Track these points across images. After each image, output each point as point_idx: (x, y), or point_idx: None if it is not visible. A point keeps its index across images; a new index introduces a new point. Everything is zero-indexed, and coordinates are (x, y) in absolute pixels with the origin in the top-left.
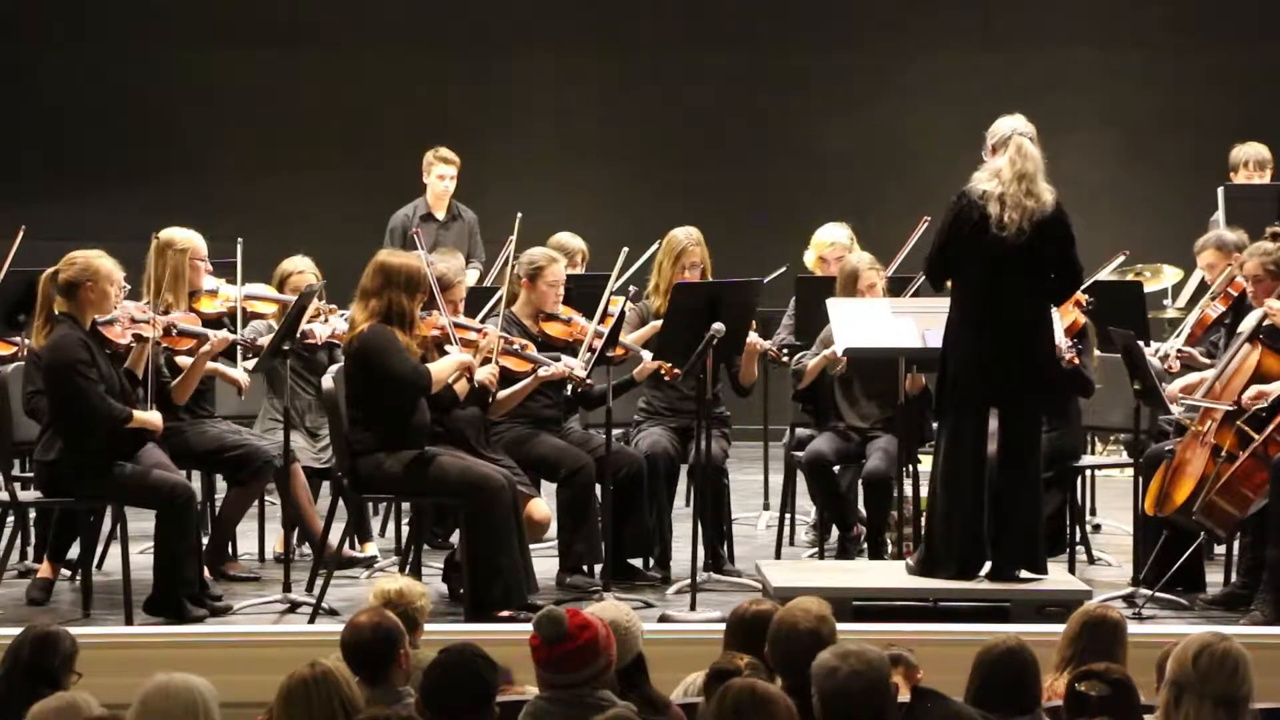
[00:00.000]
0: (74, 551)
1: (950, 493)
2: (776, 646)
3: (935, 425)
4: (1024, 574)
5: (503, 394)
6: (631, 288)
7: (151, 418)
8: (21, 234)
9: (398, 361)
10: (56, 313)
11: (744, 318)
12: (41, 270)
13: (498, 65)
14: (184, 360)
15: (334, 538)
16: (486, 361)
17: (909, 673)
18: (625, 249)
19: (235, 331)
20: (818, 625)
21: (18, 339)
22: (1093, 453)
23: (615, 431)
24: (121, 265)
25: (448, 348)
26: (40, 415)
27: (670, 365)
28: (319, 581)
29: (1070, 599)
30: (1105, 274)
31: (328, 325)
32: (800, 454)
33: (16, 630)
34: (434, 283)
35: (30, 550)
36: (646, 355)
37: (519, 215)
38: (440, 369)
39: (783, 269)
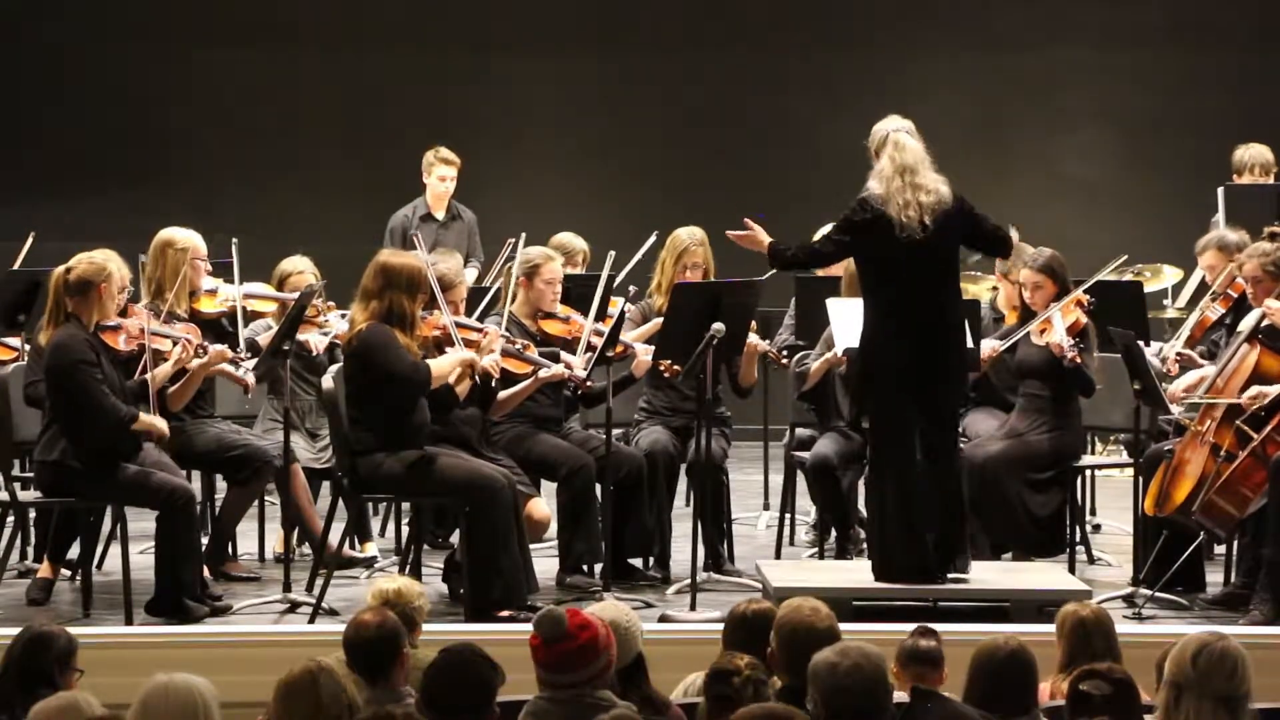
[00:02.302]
0: (74, 551)
1: (895, 501)
2: (791, 647)
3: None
4: (952, 575)
5: (503, 394)
6: (631, 287)
7: (158, 421)
8: (31, 239)
9: (396, 358)
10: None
11: (744, 318)
12: (41, 270)
13: (498, 65)
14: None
15: (334, 538)
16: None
17: (931, 675)
18: (612, 253)
19: (235, 330)
20: (830, 625)
21: (17, 343)
22: (1093, 453)
23: (615, 431)
24: (126, 265)
25: (448, 348)
26: (39, 403)
27: (669, 362)
28: (319, 581)
29: (1070, 599)
30: (1106, 274)
31: (325, 336)
32: (800, 454)
33: (17, 630)
34: (435, 283)
35: (30, 550)
36: (643, 350)
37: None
38: (440, 365)
39: (770, 273)
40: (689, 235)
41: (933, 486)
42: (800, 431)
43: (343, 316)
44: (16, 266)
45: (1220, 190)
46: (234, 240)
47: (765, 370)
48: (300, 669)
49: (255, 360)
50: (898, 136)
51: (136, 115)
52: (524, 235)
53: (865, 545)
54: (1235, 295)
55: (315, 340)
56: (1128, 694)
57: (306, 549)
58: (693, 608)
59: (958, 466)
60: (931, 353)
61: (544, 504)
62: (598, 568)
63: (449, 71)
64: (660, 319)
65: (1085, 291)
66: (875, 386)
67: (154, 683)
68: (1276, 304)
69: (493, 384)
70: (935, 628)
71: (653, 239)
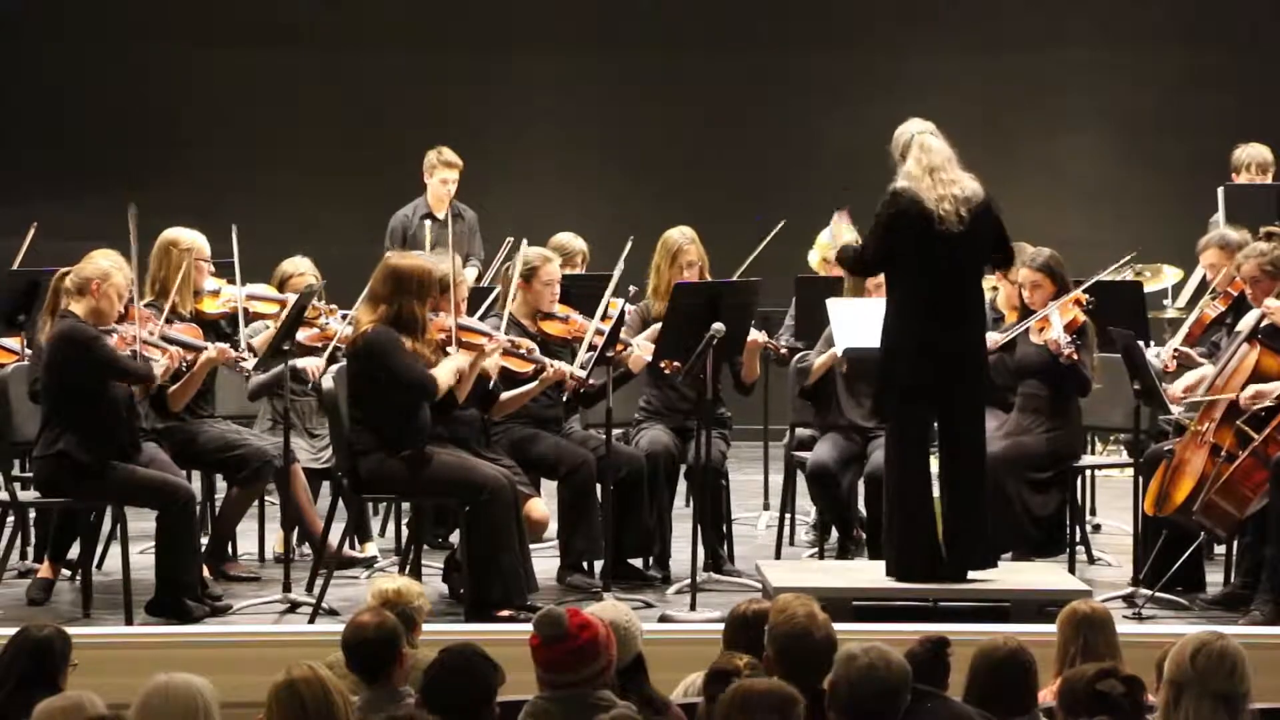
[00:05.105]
0: (74, 551)
1: (914, 496)
2: (787, 651)
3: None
4: (973, 574)
5: (505, 396)
6: (631, 288)
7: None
8: (34, 229)
9: (406, 368)
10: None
11: (744, 318)
12: (41, 270)
13: (498, 65)
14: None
15: (334, 538)
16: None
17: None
18: (620, 266)
19: (236, 331)
20: (827, 629)
21: (17, 346)
22: (1093, 453)
23: (615, 431)
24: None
25: (448, 349)
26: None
27: (670, 360)
28: (319, 581)
29: (1070, 599)
30: (1112, 271)
31: (321, 358)
32: (800, 454)
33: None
34: (451, 282)
35: (30, 550)
36: (640, 347)
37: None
38: (443, 374)
39: (782, 223)
40: (680, 235)
41: (951, 483)
42: (800, 431)
43: (344, 318)
44: (19, 257)
45: (1220, 190)
46: (233, 226)
47: (766, 370)
48: (288, 674)
49: (254, 361)
50: (923, 139)
51: (136, 115)
52: (525, 241)
53: (865, 545)
54: (1235, 294)
55: (313, 365)
56: (1137, 694)
57: (306, 549)
58: (693, 608)
59: (980, 463)
60: (952, 349)
61: (543, 504)
62: (598, 567)
63: (449, 71)
64: (659, 325)
65: (1085, 291)
66: (893, 382)
67: (154, 683)
68: (1276, 303)
69: (490, 387)
70: (935, 628)
71: (629, 245)
